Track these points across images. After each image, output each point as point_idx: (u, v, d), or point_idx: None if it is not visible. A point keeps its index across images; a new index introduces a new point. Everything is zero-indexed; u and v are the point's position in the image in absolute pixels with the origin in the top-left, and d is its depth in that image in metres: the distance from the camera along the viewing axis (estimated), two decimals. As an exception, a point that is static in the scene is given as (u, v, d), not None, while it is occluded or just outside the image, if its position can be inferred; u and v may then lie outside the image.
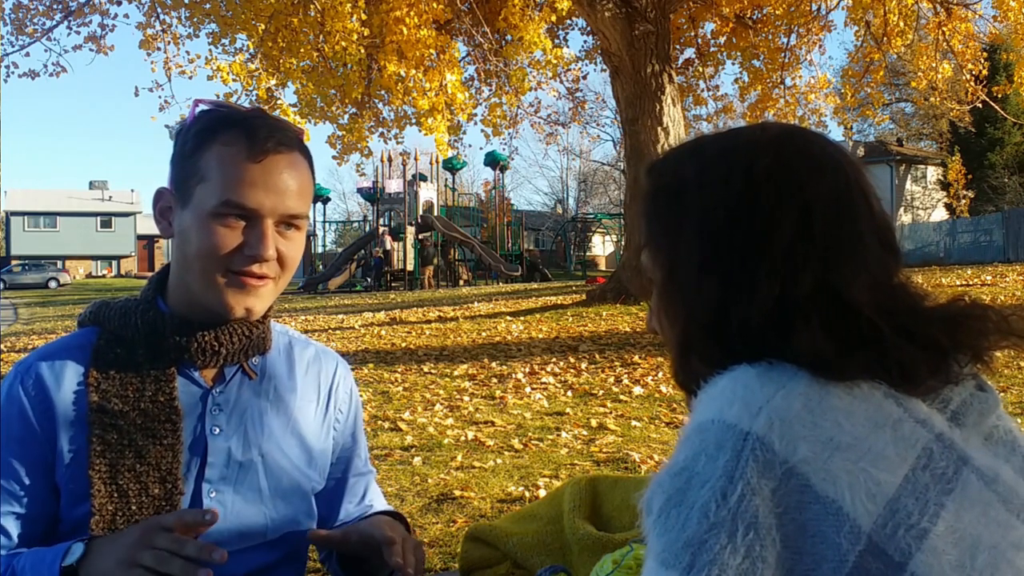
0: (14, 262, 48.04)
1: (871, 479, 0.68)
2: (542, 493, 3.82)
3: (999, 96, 15.79)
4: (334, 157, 13.17)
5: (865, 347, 0.73)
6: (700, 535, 0.66)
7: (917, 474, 0.69)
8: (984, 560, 0.68)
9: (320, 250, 39.58)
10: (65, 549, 1.01)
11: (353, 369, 1.39)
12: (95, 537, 1.04)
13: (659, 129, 11.96)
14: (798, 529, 0.67)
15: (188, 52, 30.47)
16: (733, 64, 14.97)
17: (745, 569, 0.65)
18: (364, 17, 10.46)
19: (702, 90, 15.65)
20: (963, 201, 30.14)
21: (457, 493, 3.90)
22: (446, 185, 34.74)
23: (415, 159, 30.83)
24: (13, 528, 1.10)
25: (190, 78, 12.25)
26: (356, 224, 47.79)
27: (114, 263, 55.92)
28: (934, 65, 13.38)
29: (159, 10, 11.83)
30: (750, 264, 0.76)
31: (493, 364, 8.03)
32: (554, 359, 8.16)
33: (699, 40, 15.30)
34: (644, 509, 0.71)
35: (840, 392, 0.71)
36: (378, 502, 1.40)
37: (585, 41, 17.73)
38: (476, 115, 12.95)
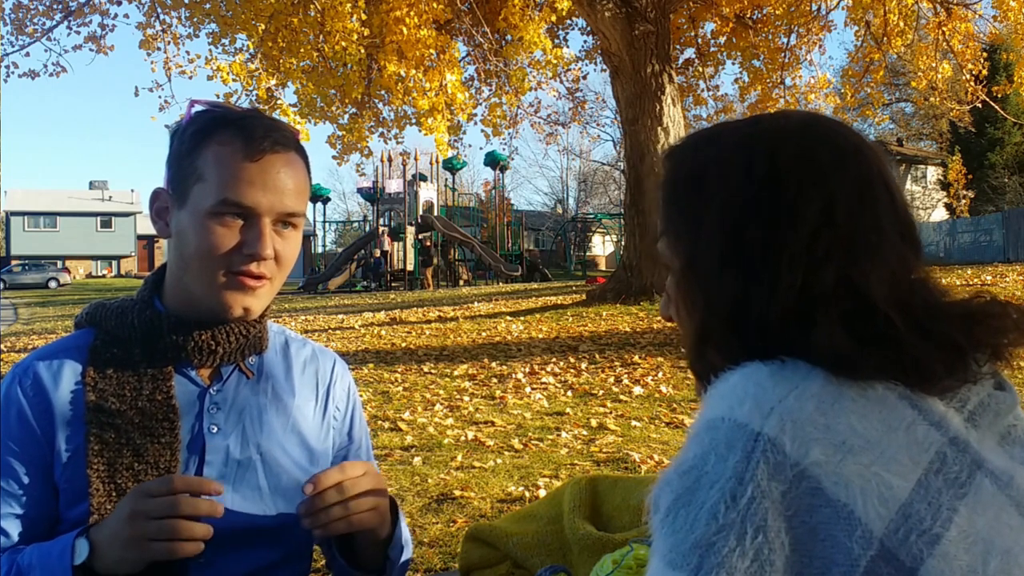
0: (14, 262, 48.04)
1: (883, 483, 0.67)
2: (542, 493, 3.82)
3: (999, 96, 15.78)
4: (334, 157, 13.19)
5: (882, 344, 0.72)
6: (708, 537, 0.65)
7: (930, 479, 0.69)
8: (997, 565, 0.67)
9: (320, 250, 39.61)
10: (69, 546, 1.01)
11: (353, 369, 1.38)
12: (90, 528, 1.03)
13: (659, 129, 11.96)
14: (808, 532, 0.66)
15: (188, 52, 30.51)
16: (733, 64, 14.99)
17: (753, 572, 0.64)
18: (364, 17, 10.47)
19: (702, 90, 15.67)
20: (963, 201, 30.13)
21: (457, 493, 3.90)
22: (446, 185, 34.75)
23: (415, 159, 30.85)
24: (13, 529, 1.10)
25: (190, 78, 12.28)
26: (356, 224, 47.82)
27: (114, 263, 55.94)
28: (934, 65, 13.38)
29: (159, 10, 11.84)
30: (771, 257, 0.75)
31: (493, 364, 8.03)
32: (554, 359, 8.16)
33: (699, 40, 15.31)
34: (651, 506, 0.70)
35: (854, 394, 0.70)
36: None
37: (585, 41, 17.77)
38: (476, 115, 12.99)
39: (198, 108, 1.18)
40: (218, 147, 1.12)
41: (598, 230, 43.91)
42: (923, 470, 0.69)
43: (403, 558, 1.26)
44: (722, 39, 14.89)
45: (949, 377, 0.74)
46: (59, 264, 47.90)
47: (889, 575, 0.65)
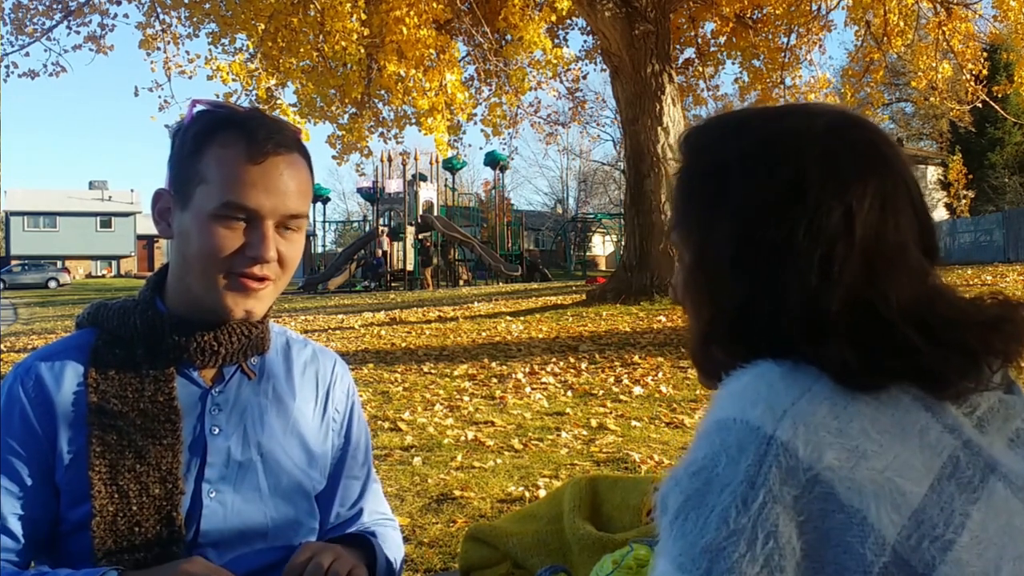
0: (14, 262, 48.02)
1: (896, 489, 0.66)
2: (542, 493, 3.82)
3: (999, 96, 15.77)
4: (334, 157, 13.20)
5: (895, 357, 0.70)
6: (719, 542, 0.64)
7: (943, 483, 0.68)
8: (1009, 572, 0.67)
9: (320, 250, 39.59)
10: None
11: (353, 369, 1.38)
12: (126, 572, 1.05)
13: (659, 129, 11.97)
14: (820, 538, 0.65)
15: (188, 52, 30.53)
16: (733, 64, 15.00)
17: None
18: (364, 17, 10.48)
19: (702, 90, 15.69)
20: (963, 201, 30.09)
21: (457, 493, 3.90)
22: (446, 185, 34.72)
23: (415, 159, 30.81)
24: (17, 529, 1.10)
25: (190, 78, 12.28)
26: (356, 224, 47.79)
27: (114, 263, 55.93)
28: (934, 65, 13.38)
29: (159, 10, 11.84)
30: (784, 266, 0.72)
31: (493, 364, 8.02)
32: (554, 359, 8.16)
33: (699, 40, 15.32)
34: (659, 506, 0.69)
35: (867, 397, 0.69)
36: (372, 507, 1.36)
37: (585, 41, 17.76)
38: (476, 115, 12.99)
39: (200, 108, 1.18)
40: (220, 149, 1.11)
41: (598, 230, 43.92)
42: (936, 475, 0.68)
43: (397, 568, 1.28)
44: (722, 39, 14.90)
45: (962, 383, 0.72)
46: (59, 264, 47.89)
47: None
